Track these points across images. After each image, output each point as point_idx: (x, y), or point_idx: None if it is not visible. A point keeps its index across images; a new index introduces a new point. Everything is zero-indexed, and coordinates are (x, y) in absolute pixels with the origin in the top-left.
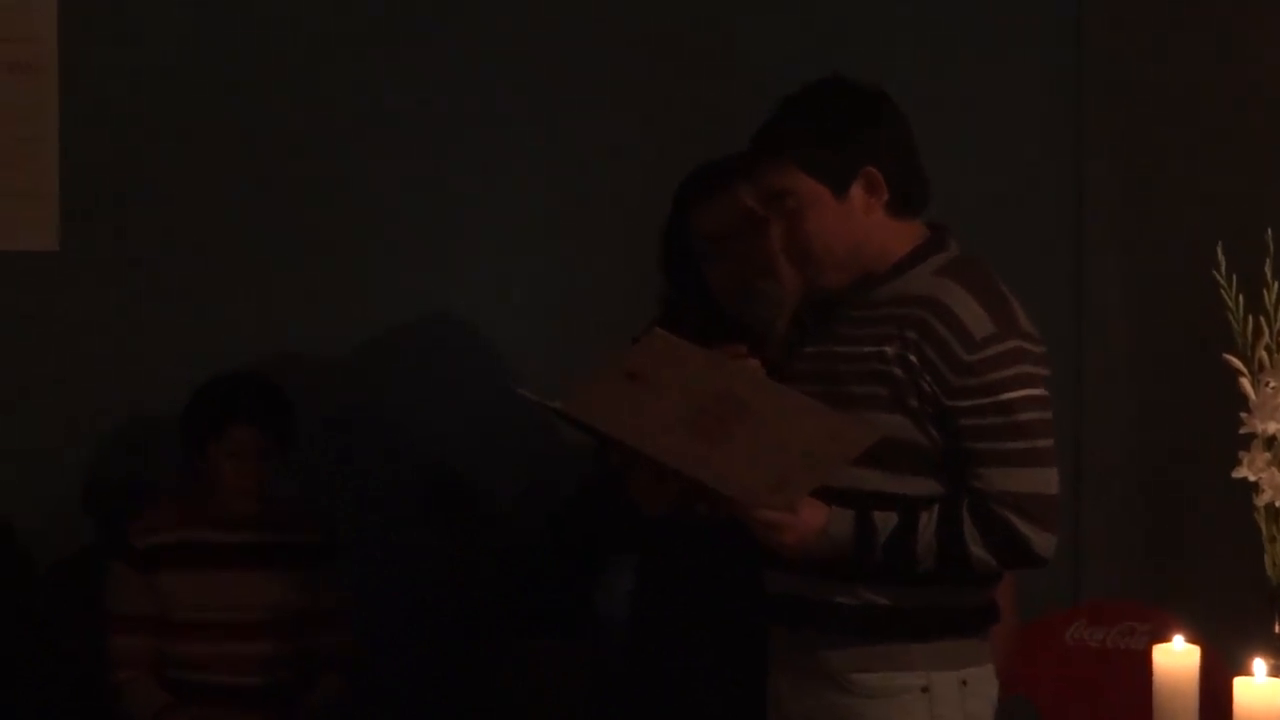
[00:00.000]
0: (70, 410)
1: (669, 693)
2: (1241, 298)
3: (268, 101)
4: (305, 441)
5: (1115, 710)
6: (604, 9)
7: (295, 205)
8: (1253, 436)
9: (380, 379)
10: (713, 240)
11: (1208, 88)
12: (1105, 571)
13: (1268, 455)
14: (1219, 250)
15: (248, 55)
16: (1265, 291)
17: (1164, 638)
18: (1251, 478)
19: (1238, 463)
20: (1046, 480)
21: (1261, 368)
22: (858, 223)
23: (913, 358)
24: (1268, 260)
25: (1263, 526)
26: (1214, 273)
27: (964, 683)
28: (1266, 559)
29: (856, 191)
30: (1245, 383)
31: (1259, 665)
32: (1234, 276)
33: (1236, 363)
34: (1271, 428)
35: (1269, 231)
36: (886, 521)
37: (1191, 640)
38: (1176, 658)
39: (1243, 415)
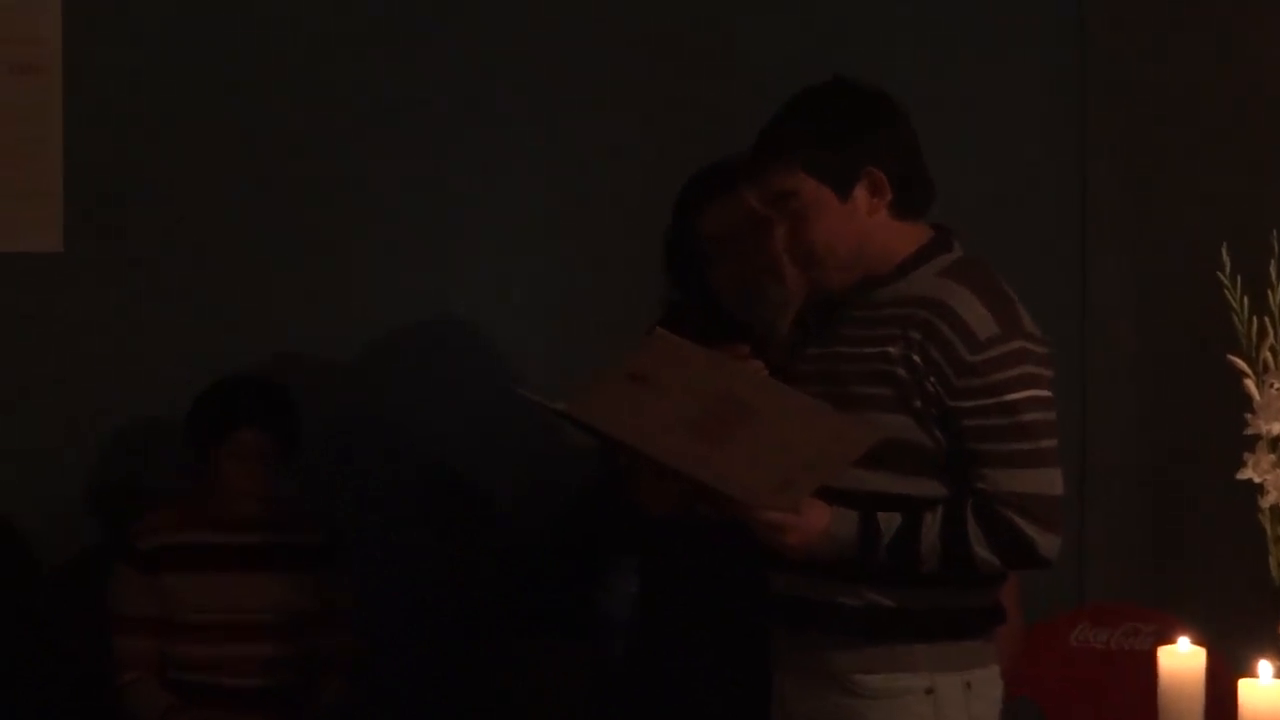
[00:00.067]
0: (74, 410)
1: (671, 693)
2: (1246, 299)
3: (268, 101)
4: (305, 442)
5: (1120, 712)
6: (604, 9)
7: (295, 205)
8: (1257, 438)
9: (380, 379)
10: (716, 241)
11: (1210, 88)
12: (1109, 573)
13: (1272, 457)
14: (1223, 251)
15: (248, 55)
16: (1270, 292)
17: (1169, 639)
18: (1256, 479)
19: (1242, 464)
20: (1050, 481)
21: (1266, 369)
22: (861, 224)
23: (916, 358)
24: (1272, 261)
25: (1267, 528)
26: (1218, 274)
27: (968, 685)
28: (1271, 560)
29: (860, 193)
30: (1250, 384)
31: (1264, 667)
32: (1238, 277)
33: (1241, 364)
34: (1276, 429)
35: (1274, 233)
36: (890, 522)
37: (1196, 642)
38: (1181, 659)
39: (1247, 416)
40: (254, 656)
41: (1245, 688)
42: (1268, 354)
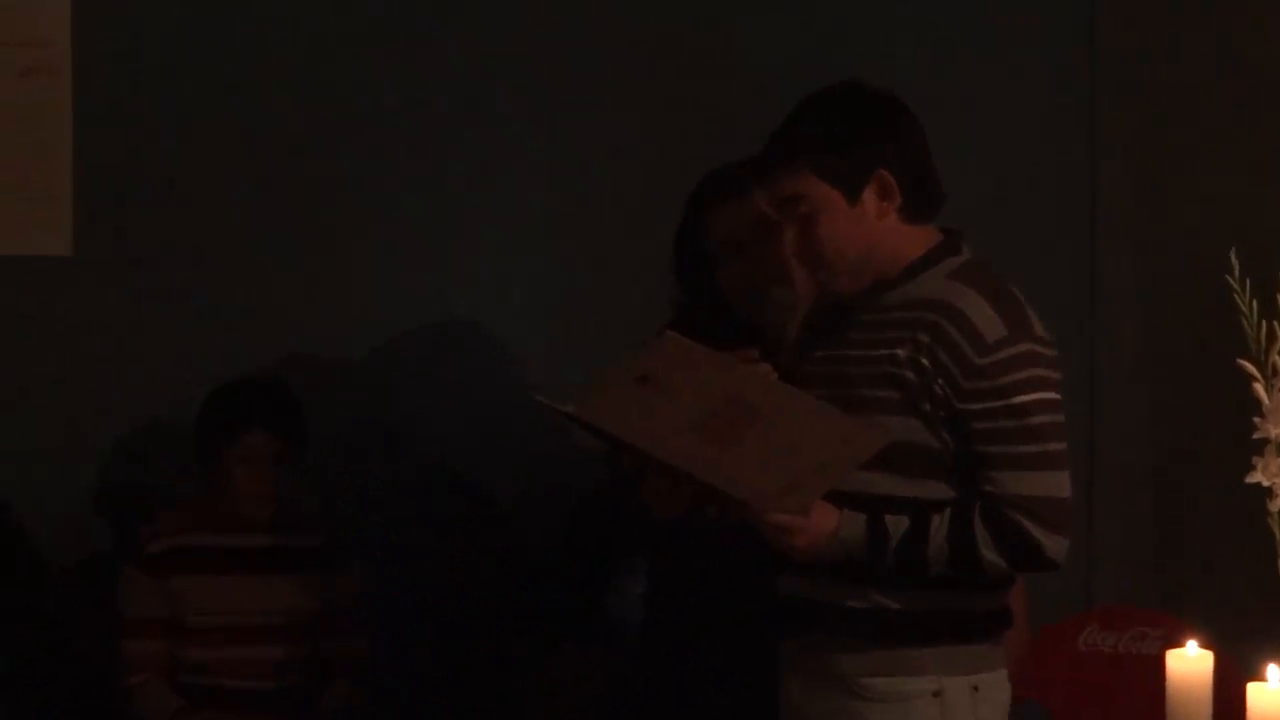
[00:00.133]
0: (83, 413)
1: (680, 695)
2: (1255, 303)
3: (269, 102)
4: (308, 443)
5: (1128, 716)
6: (604, 9)
7: (296, 206)
8: (1266, 441)
9: (381, 379)
10: (725, 244)
11: (1221, 88)
12: (1117, 576)
13: None
14: (1232, 254)
15: (248, 55)
16: (1279, 296)
17: (1176, 643)
18: (1265, 483)
19: (1251, 468)
20: (1058, 484)
21: (1275, 372)
22: (870, 227)
23: (924, 361)
24: None
25: (1276, 532)
26: (1227, 278)
27: (976, 688)
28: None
29: (869, 196)
30: (1259, 388)
31: (1273, 671)
32: (1247, 281)
33: (1250, 368)
34: None
35: None
36: (898, 525)
37: (1204, 645)
38: (1190, 663)
39: (1256, 420)
40: (264, 659)
41: (1254, 692)
42: (1276, 358)
